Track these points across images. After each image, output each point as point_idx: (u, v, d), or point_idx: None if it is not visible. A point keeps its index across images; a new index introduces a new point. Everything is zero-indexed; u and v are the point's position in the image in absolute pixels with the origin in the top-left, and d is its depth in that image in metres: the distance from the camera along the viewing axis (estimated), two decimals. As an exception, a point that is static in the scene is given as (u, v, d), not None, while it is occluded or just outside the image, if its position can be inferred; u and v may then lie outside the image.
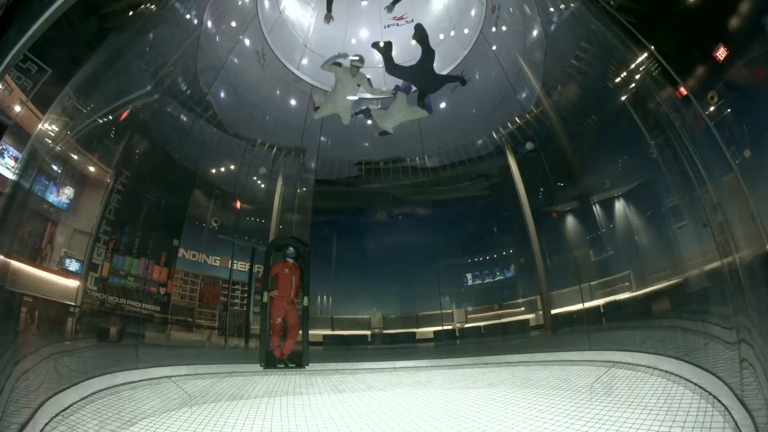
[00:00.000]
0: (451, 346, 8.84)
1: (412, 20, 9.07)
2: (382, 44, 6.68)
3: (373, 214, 10.40)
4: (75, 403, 3.52)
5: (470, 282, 9.48)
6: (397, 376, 5.92)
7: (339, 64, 6.38)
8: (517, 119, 8.56)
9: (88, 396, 3.76)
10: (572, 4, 6.18)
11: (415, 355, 7.95)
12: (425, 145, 9.52)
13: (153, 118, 6.50)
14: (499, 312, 8.86)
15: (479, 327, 8.81)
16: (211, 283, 8.11)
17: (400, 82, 6.97)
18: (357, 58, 6.40)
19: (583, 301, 6.63)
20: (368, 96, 7.55)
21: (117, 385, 4.31)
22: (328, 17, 7.39)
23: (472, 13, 8.61)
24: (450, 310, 9.23)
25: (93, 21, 4.08)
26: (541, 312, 7.94)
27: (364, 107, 7.44)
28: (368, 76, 6.71)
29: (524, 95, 8.31)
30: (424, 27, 6.72)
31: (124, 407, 3.66)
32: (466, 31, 8.79)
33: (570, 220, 7.78)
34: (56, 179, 4.57)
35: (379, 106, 7.21)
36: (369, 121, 7.44)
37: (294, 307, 7.04)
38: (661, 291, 5.03)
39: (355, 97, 6.98)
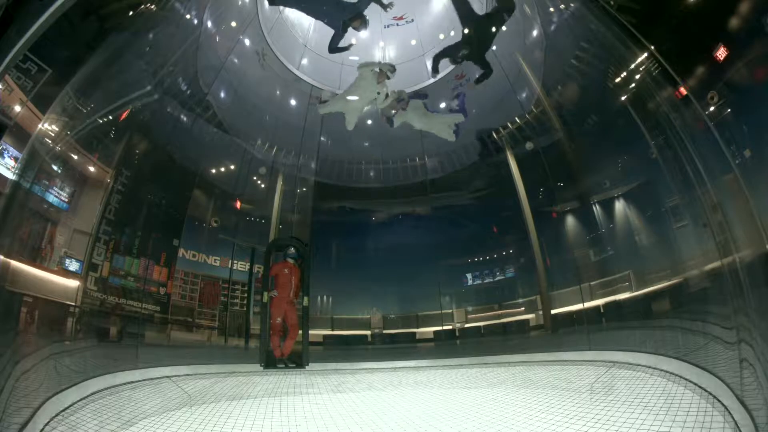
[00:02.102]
0: (451, 346, 8.84)
1: (412, 20, 9.07)
2: None
3: (373, 214, 10.40)
4: (75, 403, 3.52)
5: (470, 282, 9.48)
6: (397, 376, 5.92)
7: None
8: (517, 119, 8.55)
9: (88, 396, 3.76)
10: (572, 4, 6.18)
11: (415, 355, 7.95)
12: (425, 144, 9.52)
13: (153, 118, 6.50)
14: (499, 312, 8.86)
15: (479, 327, 8.80)
16: (211, 283, 8.11)
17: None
18: (391, 67, 6.24)
19: (583, 301, 6.63)
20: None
21: (117, 385, 4.31)
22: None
23: (472, 13, 8.61)
24: (450, 310, 9.22)
25: (93, 21, 4.08)
26: (541, 312, 7.94)
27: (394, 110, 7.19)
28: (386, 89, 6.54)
29: (524, 95, 8.31)
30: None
31: (124, 407, 3.65)
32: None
33: (570, 220, 7.78)
34: (56, 179, 4.57)
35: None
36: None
37: (294, 307, 7.04)
38: (661, 291, 5.03)
39: (367, 105, 6.84)
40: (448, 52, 6.62)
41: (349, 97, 6.47)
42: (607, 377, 4.26)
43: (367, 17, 6.35)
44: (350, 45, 6.49)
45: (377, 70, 6.22)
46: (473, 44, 6.44)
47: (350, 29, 6.48)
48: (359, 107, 6.67)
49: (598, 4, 4.73)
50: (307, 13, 7.04)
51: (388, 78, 6.31)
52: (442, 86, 9.14)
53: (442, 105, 9.54)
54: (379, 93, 6.37)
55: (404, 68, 9.01)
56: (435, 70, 6.72)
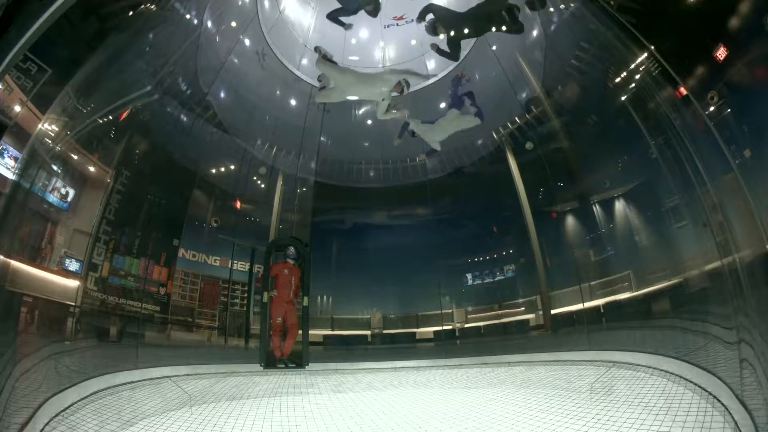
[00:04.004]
0: (451, 346, 8.84)
1: (412, 20, 9.06)
2: None
3: (373, 214, 10.41)
4: (75, 403, 3.51)
5: (470, 282, 9.48)
6: (397, 376, 5.91)
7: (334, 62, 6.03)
8: (517, 119, 8.56)
9: (88, 396, 3.75)
10: (572, 4, 6.18)
11: (415, 355, 7.95)
12: (425, 144, 9.51)
13: (153, 118, 6.50)
14: (499, 312, 8.87)
15: (479, 327, 8.81)
16: (211, 283, 8.11)
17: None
18: (408, 84, 6.01)
19: (583, 301, 6.63)
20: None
21: (117, 385, 4.31)
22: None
23: (472, 12, 8.61)
24: (450, 310, 9.22)
25: (93, 21, 4.07)
26: (541, 312, 7.94)
27: (405, 125, 6.88)
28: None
29: (524, 95, 8.31)
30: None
31: (124, 407, 3.65)
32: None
33: (570, 220, 7.79)
34: (56, 179, 4.57)
35: (420, 122, 6.75)
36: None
37: (294, 307, 7.03)
38: (661, 291, 5.03)
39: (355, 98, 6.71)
40: (444, 15, 6.27)
41: (356, 87, 6.21)
42: (607, 377, 4.26)
43: (381, 2, 6.16)
44: (351, 25, 6.31)
45: (400, 80, 6.02)
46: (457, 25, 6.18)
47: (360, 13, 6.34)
48: (352, 98, 6.51)
49: (598, 4, 4.73)
50: None
51: (401, 93, 6.12)
52: (442, 86, 9.13)
53: (442, 106, 9.53)
54: (383, 100, 6.18)
55: (404, 68, 9.01)
56: None
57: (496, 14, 5.79)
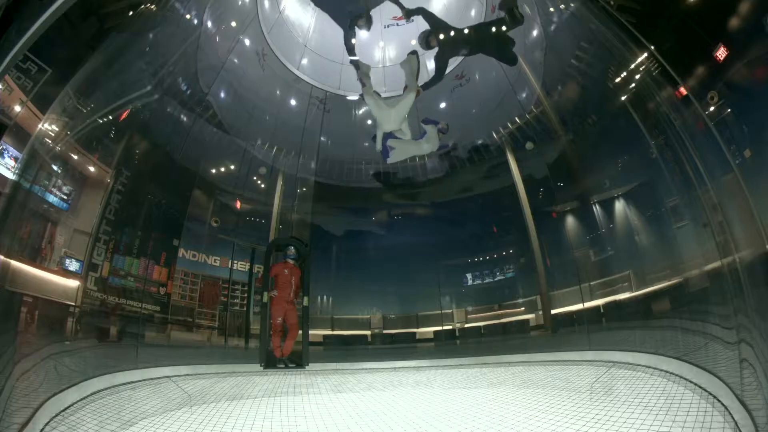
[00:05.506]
0: (451, 346, 8.84)
1: (412, 20, 9.06)
2: None
3: (373, 214, 10.40)
4: (75, 403, 3.52)
5: (470, 282, 9.48)
6: (397, 376, 5.91)
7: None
8: (517, 119, 8.56)
9: (88, 396, 3.76)
10: (572, 4, 6.18)
11: (415, 355, 7.95)
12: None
13: (153, 118, 6.50)
14: (499, 312, 8.87)
15: (479, 327, 8.81)
16: (211, 283, 8.11)
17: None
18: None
19: (583, 301, 6.63)
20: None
21: (117, 385, 4.31)
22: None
23: (472, 13, 8.60)
24: (450, 310, 9.23)
25: (93, 21, 4.07)
26: (541, 312, 7.94)
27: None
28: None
29: (524, 95, 8.31)
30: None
31: (124, 407, 3.65)
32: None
33: (570, 220, 7.78)
34: (56, 179, 4.57)
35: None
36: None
37: (294, 307, 7.03)
38: (661, 291, 5.03)
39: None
40: (436, 24, 6.15)
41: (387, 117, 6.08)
42: (607, 377, 4.26)
43: (372, 16, 6.25)
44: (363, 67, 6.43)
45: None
46: (452, 45, 6.21)
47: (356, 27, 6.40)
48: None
49: (598, 4, 4.73)
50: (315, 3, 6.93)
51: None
52: (440, 86, 9.11)
53: (443, 105, 9.54)
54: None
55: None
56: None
57: (493, 37, 5.85)
